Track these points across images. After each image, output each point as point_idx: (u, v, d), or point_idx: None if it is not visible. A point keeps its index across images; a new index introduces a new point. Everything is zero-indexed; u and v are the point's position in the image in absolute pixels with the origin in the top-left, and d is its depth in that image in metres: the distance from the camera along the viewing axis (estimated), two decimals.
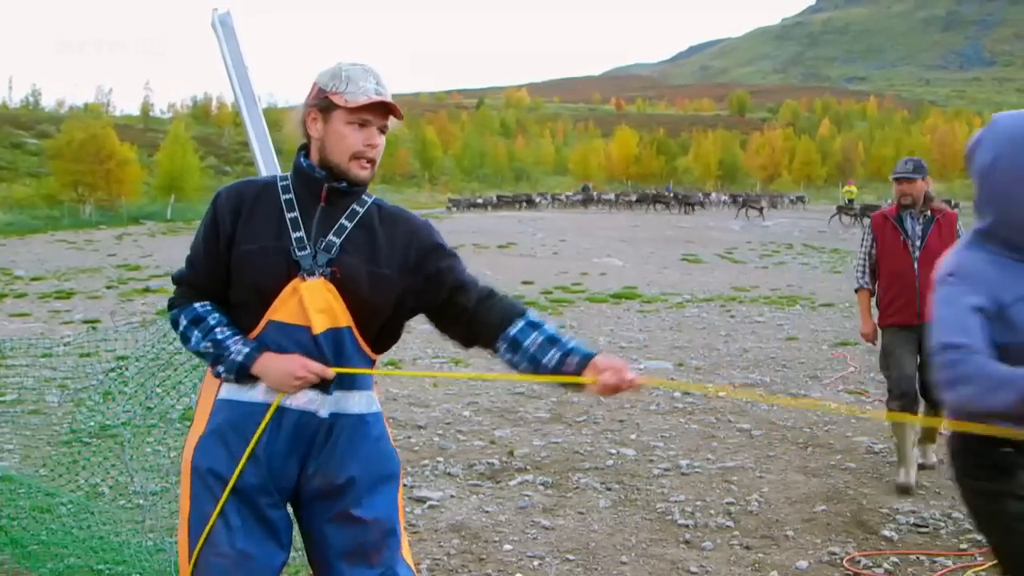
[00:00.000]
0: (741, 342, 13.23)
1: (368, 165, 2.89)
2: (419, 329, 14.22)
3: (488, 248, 31.43)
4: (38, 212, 54.60)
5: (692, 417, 8.76)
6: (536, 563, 5.36)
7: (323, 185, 2.88)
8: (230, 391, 2.86)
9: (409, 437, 7.97)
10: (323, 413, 2.85)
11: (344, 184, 2.88)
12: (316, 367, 2.79)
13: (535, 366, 2.89)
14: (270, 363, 2.79)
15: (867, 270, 7.11)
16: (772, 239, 37.64)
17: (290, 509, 2.97)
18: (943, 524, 5.92)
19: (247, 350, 2.81)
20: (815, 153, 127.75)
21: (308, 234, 2.85)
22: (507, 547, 5.59)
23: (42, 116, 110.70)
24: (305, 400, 2.83)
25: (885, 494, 6.52)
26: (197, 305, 2.91)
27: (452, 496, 6.52)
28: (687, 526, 5.94)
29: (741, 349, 12.61)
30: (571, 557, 5.42)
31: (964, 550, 5.49)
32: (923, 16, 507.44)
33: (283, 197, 2.89)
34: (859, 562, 5.34)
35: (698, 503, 6.37)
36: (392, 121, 2.91)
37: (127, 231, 43.28)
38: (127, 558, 4.71)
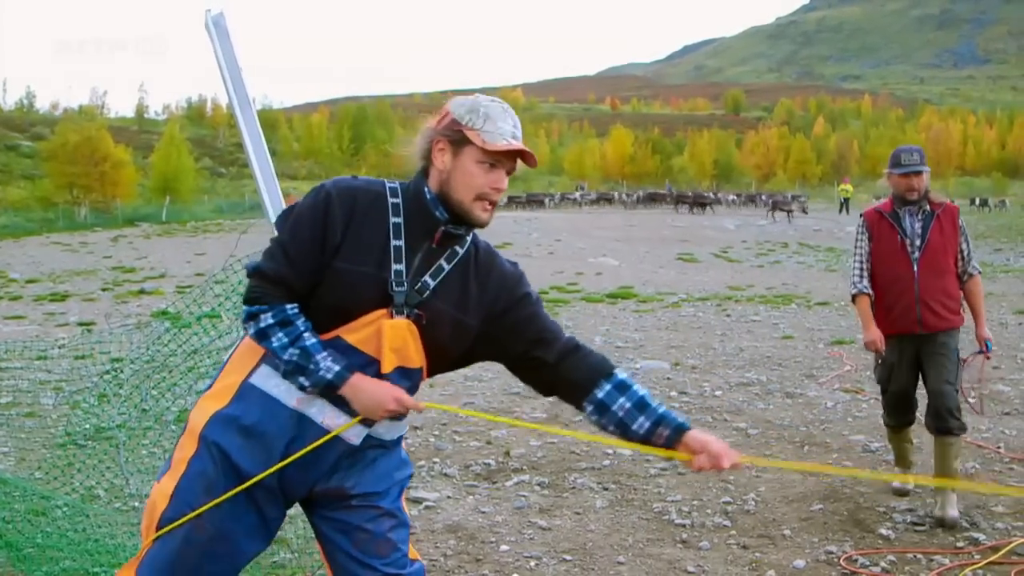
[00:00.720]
0: (737, 341, 13.22)
1: (490, 207, 2.79)
2: None
3: None
4: (33, 214, 54.57)
5: (689, 416, 8.73)
6: (533, 563, 5.35)
7: (441, 228, 2.79)
8: (267, 380, 2.76)
9: (405, 438, 7.94)
10: (355, 441, 2.81)
11: (462, 228, 2.81)
12: (409, 401, 2.74)
13: (623, 432, 2.88)
14: (363, 386, 2.69)
15: (865, 273, 6.36)
16: (768, 238, 37.66)
17: (294, 509, 2.96)
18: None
19: (338, 368, 2.68)
20: (810, 152, 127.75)
21: (408, 268, 2.76)
22: (504, 547, 5.58)
23: (36, 118, 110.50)
24: (347, 430, 2.78)
25: (882, 493, 6.51)
26: (288, 306, 2.73)
27: (448, 497, 6.51)
28: (684, 526, 5.93)
29: (737, 348, 12.61)
30: (568, 557, 5.41)
31: (961, 548, 5.49)
32: (917, 14, 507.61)
33: (392, 219, 2.76)
34: (856, 561, 5.33)
35: (695, 503, 6.36)
36: (519, 164, 2.83)
37: (122, 233, 43.19)
38: (122, 561, 4.69)
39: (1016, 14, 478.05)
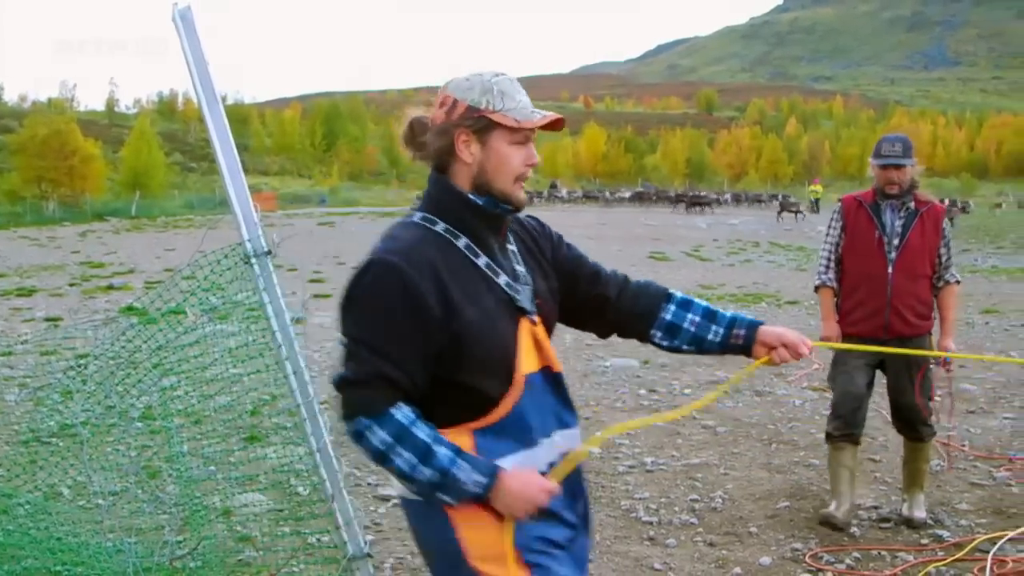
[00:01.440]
0: None
1: (522, 184, 2.54)
2: None
3: None
4: (0, 208, 54.02)
5: (658, 415, 8.77)
6: None
7: (504, 218, 2.57)
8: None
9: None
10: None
11: (512, 209, 2.57)
12: (552, 487, 2.46)
13: (699, 346, 2.80)
14: (511, 488, 2.38)
15: (831, 264, 5.97)
16: (739, 237, 37.82)
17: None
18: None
19: (485, 479, 2.37)
20: (782, 152, 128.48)
21: (507, 273, 2.54)
22: None
23: (4, 111, 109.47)
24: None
25: None
26: (396, 413, 2.36)
27: None
28: (651, 523, 5.94)
29: None
30: None
31: (925, 545, 5.53)
32: (888, 16, 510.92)
33: (458, 243, 2.48)
34: (821, 558, 5.36)
35: (662, 500, 6.38)
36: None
37: (91, 228, 42.87)
38: (85, 559, 4.66)
39: (986, 17, 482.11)
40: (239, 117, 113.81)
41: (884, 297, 5.69)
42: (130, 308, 13.48)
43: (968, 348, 12.08)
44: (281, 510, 5.84)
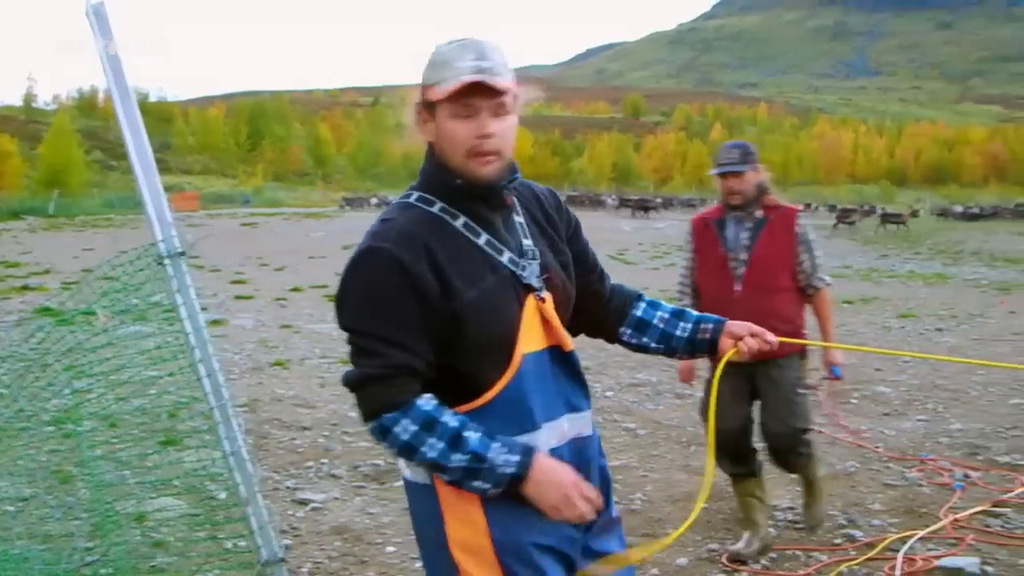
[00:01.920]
0: None
1: (492, 158, 2.33)
2: (306, 329, 14.08)
3: None
4: None
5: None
6: (419, 564, 5.31)
7: (498, 193, 2.42)
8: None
9: (294, 439, 7.86)
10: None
11: (509, 181, 2.44)
12: (594, 495, 2.37)
13: (667, 342, 2.73)
14: (546, 470, 2.29)
15: (687, 291, 5.61)
16: (663, 240, 38.14)
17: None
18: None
19: (518, 457, 2.27)
20: (707, 157, 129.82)
21: (511, 249, 2.42)
22: (390, 549, 5.55)
23: None
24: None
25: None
26: (420, 402, 2.28)
27: (336, 498, 6.44)
28: None
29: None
30: None
31: (838, 544, 5.62)
32: (813, 26, 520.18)
33: (456, 223, 2.38)
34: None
35: None
36: (522, 94, 2.41)
37: (6, 227, 41.88)
38: None
39: (906, 28, 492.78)
40: (162, 115, 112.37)
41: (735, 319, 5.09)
42: (45, 309, 13.18)
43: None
44: (197, 515, 5.76)
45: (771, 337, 2.68)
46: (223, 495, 5.77)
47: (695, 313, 2.76)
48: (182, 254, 3.75)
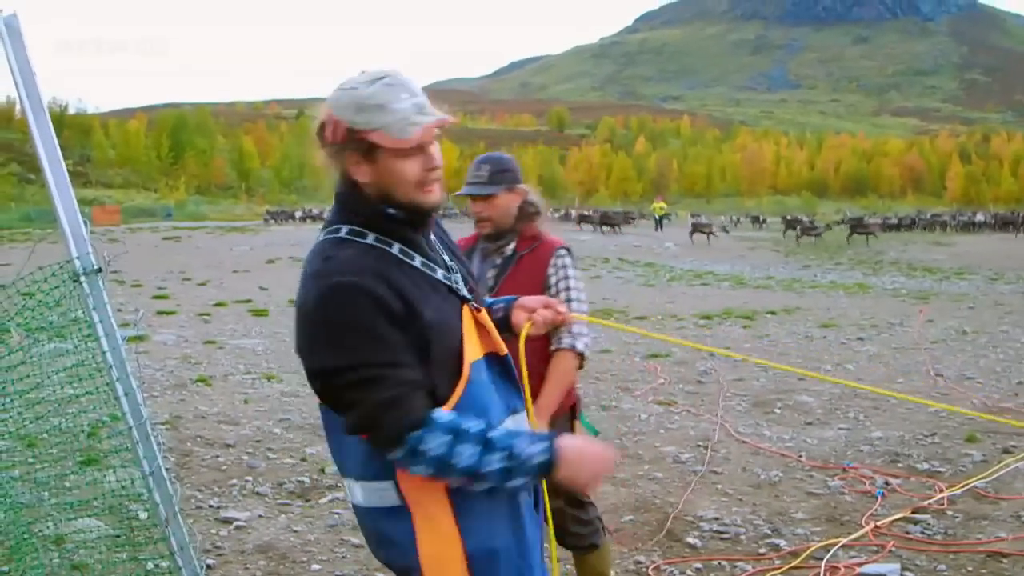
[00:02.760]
0: None
1: (435, 185, 2.41)
2: (230, 344, 13.90)
3: None
4: None
5: None
6: None
7: (427, 219, 2.47)
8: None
9: (217, 456, 7.74)
10: None
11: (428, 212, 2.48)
12: (611, 453, 2.40)
13: None
14: (573, 448, 2.31)
15: None
16: (588, 253, 38.36)
17: None
18: (744, 530, 6.11)
19: (545, 442, 2.30)
20: (631, 169, 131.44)
21: (440, 266, 2.48)
22: (315, 567, 5.49)
23: None
24: None
25: (690, 502, 6.68)
26: (436, 415, 2.26)
27: (260, 516, 6.36)
28: None
29: None
30: (380, 575, 5.36)
31: (763, 554, 5.68)
32: (734, 39, 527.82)
33: (392, 250, 2.38)
34: (664, 570, 5.46)
35: None
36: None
37: None
38: None
39: (825, 42, 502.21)
40: (82, 127, 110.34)
41: None
42: None
43: (806, 362, 12.52)
44: (118, 536, 5.64)
45: (563, 308, 2.67)
46: (144, 515, 5.67)
47: (491, 298, 2.82)
48: (99, 271, 3.68)
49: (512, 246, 4.17)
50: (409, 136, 2.29)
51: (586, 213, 65.47)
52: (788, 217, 63.74)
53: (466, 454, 2.22)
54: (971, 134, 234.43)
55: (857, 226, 52.34)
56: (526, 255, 4.14)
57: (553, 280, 4.08)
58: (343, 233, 2.39)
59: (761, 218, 75.20)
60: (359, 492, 2.43)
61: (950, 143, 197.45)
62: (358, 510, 2.48)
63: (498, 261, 4.18)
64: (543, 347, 3.99)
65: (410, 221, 2.41)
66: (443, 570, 2.36)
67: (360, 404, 2.24)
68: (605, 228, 56.37)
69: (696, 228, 52.55)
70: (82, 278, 3.64)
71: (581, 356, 4.07)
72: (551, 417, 3.99)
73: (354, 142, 2.32)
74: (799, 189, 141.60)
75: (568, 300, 4.01)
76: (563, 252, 4.15)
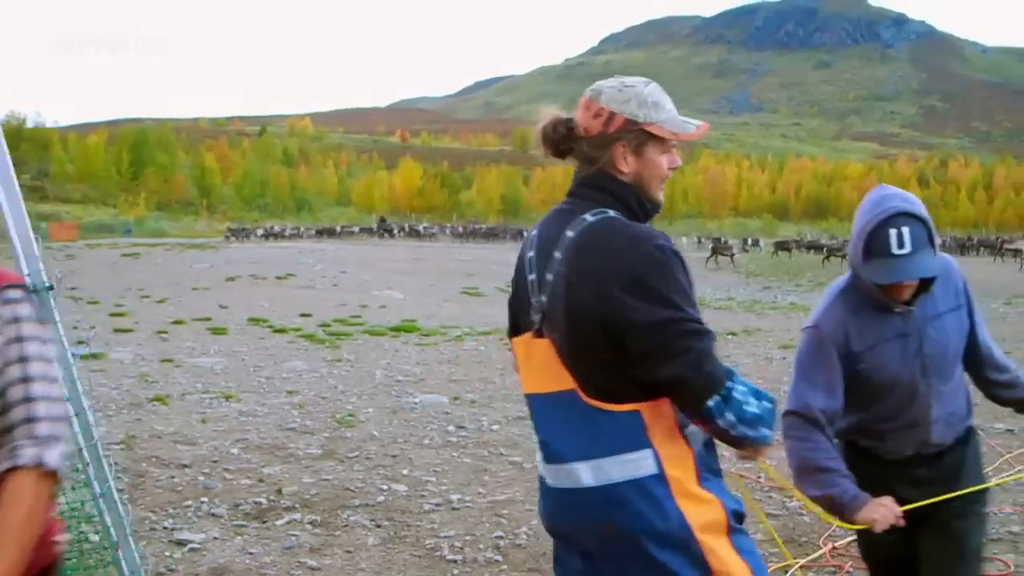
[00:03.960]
0: (515, 375, 13.34)
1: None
2: (188, 363, 13.78)
3: (266, 279, 30.81)
4: None
5: (465, 451, 8.77)
6: None
7: (657, 212, 2.68)
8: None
9: (172, 477, 7.64)
10: None
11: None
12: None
13: None
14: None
15: None
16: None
17: None
18: None
19: (765, 396, 2.48)
20: None
21: None
22: None
23: None
24: None
25: None
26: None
27: (215, 538, 6.27)
28: (455, 561, 5.91)
29: (516, 382, 12.72)
30: None
31: None
32: (697, 62, 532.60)
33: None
34: None
35: (467, 538, 6.35)
36: None
37: None
38: None
39: (787, 67, 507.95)
40: (40, 141, 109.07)
41: None
42: None
43: (766, 383, 12.56)
44: (68, 559, 5.54)
45: None
46: (95, 537, 5.57)
47: None
48: (50, 288, 3.62)
49: None
50: (688, 131, 2.57)
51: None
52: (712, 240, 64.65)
53: (756, 404, 2.39)
54: (929, 159, 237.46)
55: (719, 248, 53.24)
56: None
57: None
58: (612, 214, 2.52)
59: (751, 240, 74.82)
60: (599, 469, 2.47)
61: (909, 168, 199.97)
62: (589, 492, 2.49)
63: None
64: None
65: (650, 214, 2.61)
66: (712, 530, 2.42)
67: (689, 352, 2.33)
68: None
69: (717, 251, 52.24)
70: (33, 296, 3.59)
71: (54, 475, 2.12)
72: None
73: (631, 133, 2.52)
74: (760, 212, 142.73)
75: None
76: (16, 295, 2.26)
